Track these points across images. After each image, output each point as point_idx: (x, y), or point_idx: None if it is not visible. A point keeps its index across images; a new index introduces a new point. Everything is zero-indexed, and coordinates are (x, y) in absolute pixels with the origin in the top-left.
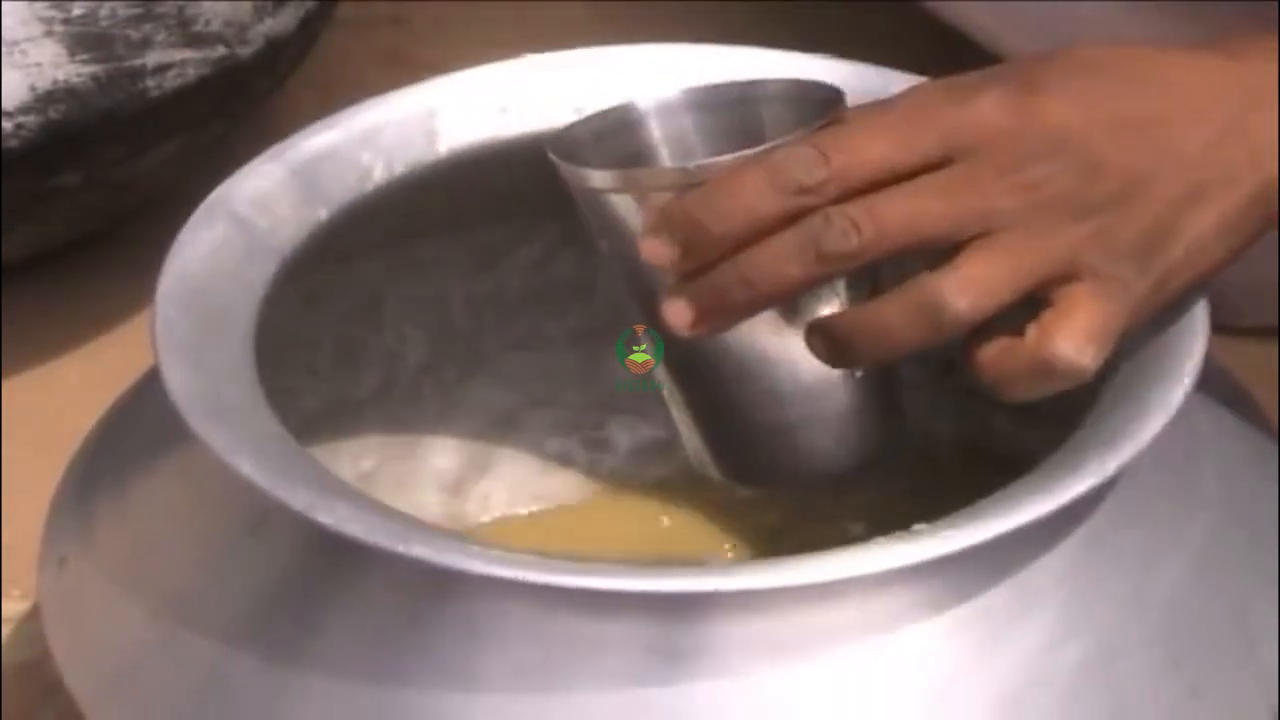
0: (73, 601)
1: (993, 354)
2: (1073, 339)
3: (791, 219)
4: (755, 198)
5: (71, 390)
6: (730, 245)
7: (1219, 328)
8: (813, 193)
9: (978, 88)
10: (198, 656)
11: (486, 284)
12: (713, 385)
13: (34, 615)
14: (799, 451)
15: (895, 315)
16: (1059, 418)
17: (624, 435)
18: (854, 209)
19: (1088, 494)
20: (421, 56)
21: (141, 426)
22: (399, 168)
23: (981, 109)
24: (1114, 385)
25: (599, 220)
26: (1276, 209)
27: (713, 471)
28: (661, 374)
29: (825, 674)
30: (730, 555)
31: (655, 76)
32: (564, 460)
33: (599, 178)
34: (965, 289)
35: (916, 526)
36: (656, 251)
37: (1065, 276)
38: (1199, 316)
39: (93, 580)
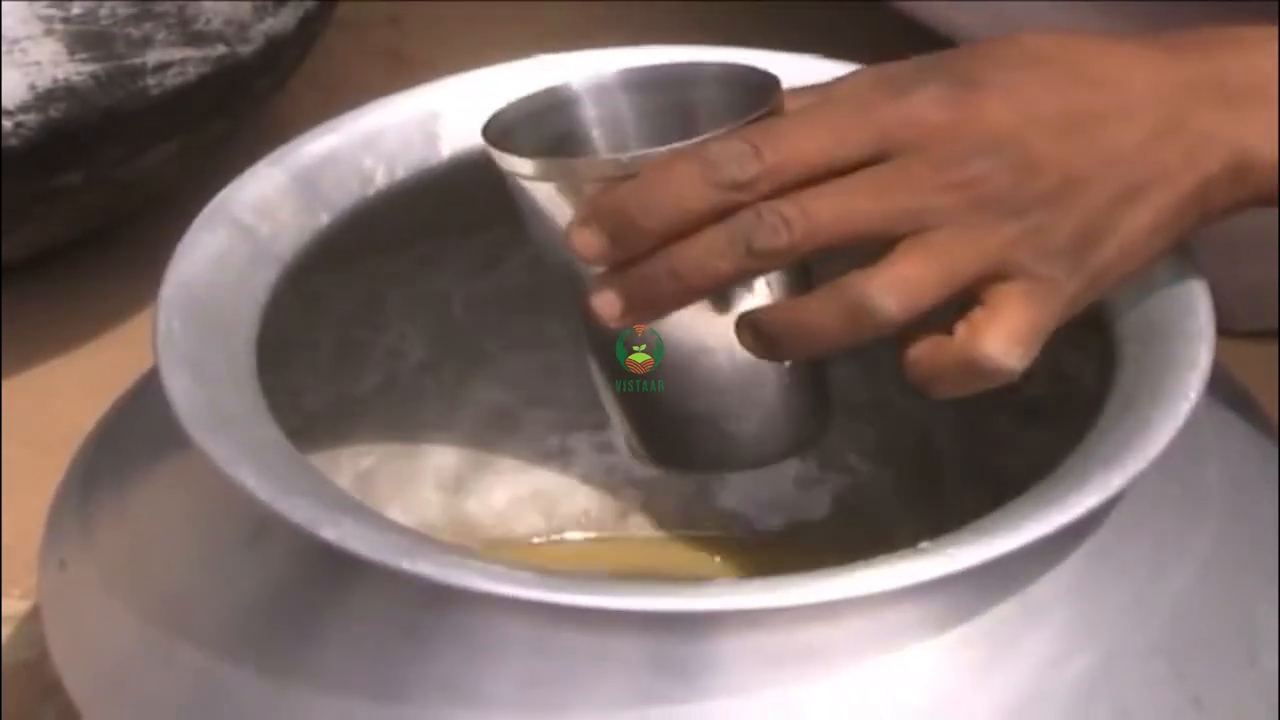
0: (72, 603)
1: (921, 352)
2: (1000, 340)
3: (723, 213)
4: (687, 192)
5: (72, 390)
6: (660, 238)
7: (1217, 331)
8: (745, 189)
9: (917, 80)
10: (195, 664)
11: (487, 283)
12: None
13: (34, 615)
14: (727, 439)
15: (823, 312)
16: (1062, 418)
17: None
18: (785, 206)
19: (1093, 510)
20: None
21: (142, 428)
22: (400, 171)
23: (919, 105)
24: (1119, 394)
25: (529, 207)
26: (1212, 206)
27: (642, 456)
28: (592, 361)
29: (829, 692)
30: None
31: None
32: (564, 459)
33: (530, 166)
34: (894, 289)
35: (921, 545)
36: (586, 242)
37: (996, 275)
38: (1204, 327)
39: (92, 583)
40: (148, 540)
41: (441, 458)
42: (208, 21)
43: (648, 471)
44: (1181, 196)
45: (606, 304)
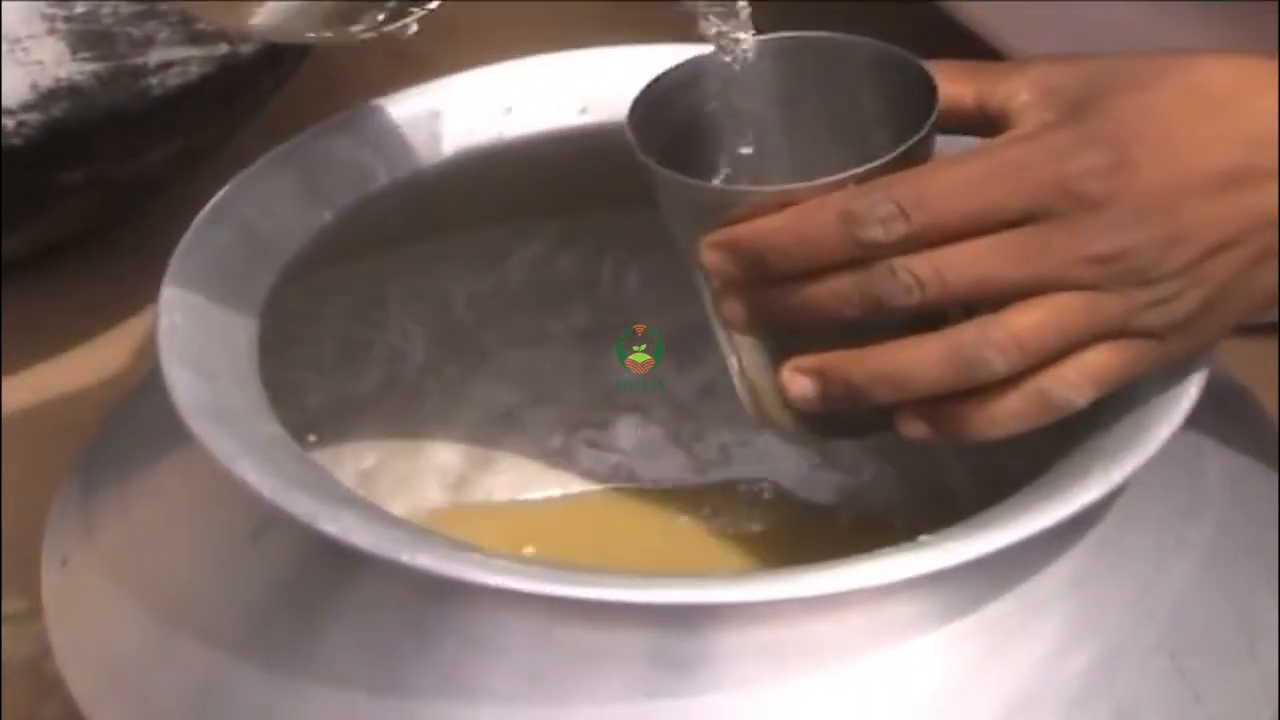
0: (74, 600)
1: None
2: (1078, 384)
3: (858, 261)
4: (825, 244)
5: (72, 389)
6: (790, 278)
7: None
8: (886, 249)
9: (1078, 143)
10: (198, 660)
11: (489, 282)
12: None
13: (34, 615)
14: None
15: (931, 361)
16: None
17: (627, 433)
18: (920, 265)
19: (1094, 504)
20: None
21: (144, 426)
22: (402, 169)
23: (1077, 177)
24: (1120, 391)
25: (666, 200)
26: None
27: (784, 422)
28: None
29: (830, 685)
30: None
31: None
32: (567, 457)
33: (670, 178)
34: (1009, 348)
35: (922, 538)
36: (715, 263)
37: (1107, 336)
38: None
39: (94, 580)
40: (149, 536)
41: (444, 456)
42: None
43: (649, 471)
44: None
45: (733, 312)
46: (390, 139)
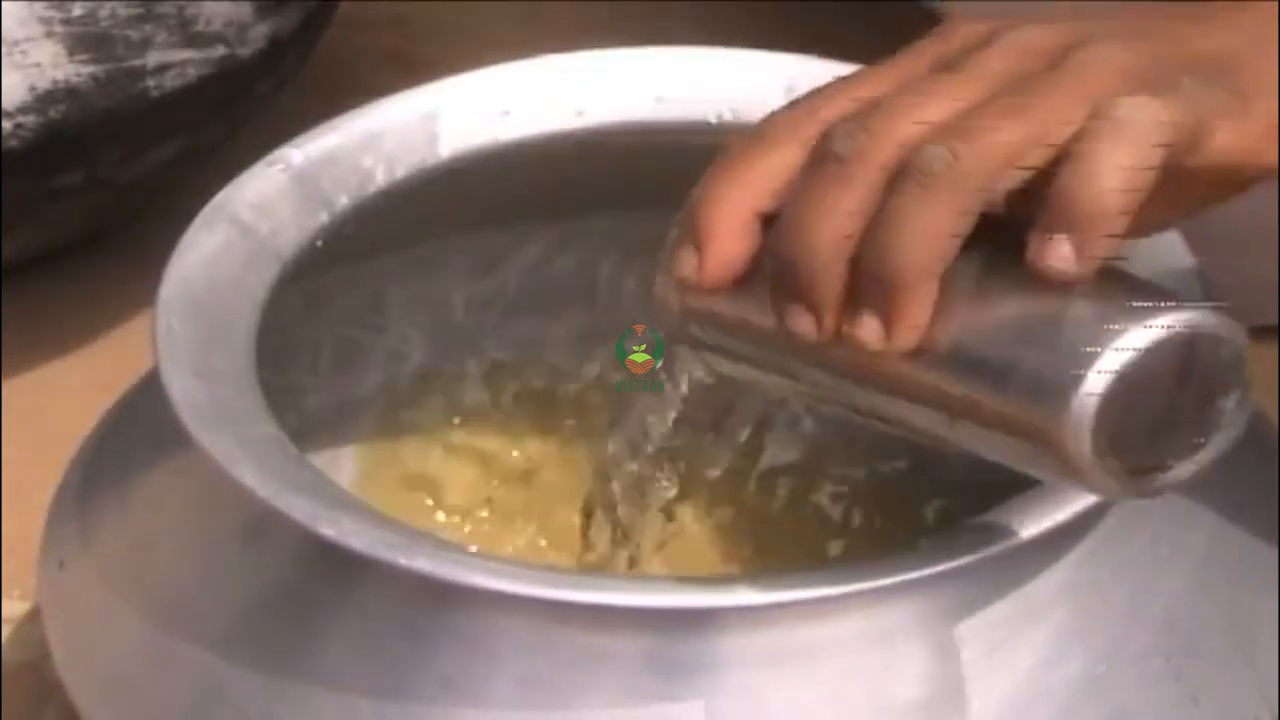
0: (72, 603)
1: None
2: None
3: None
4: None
5: (72, 391)
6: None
7: None
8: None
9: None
10: (196, 663)
11: (488, 284)
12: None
13: (34, 616)
14: None
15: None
16: None
17: None
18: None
19: (1091, 508)
20: (423, 56)
21: (142, 428)
22: (400, 171)
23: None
24: None
25: None
26: None
27: None
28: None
29: (826, 689)
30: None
31: (659, 79)
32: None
33: None
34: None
35: (919, 541)
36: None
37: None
38: None
39: (92, 582)
40: (147, 539)
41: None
42: (208, 23)
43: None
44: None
45: (804, 323)
46: (388, 141)
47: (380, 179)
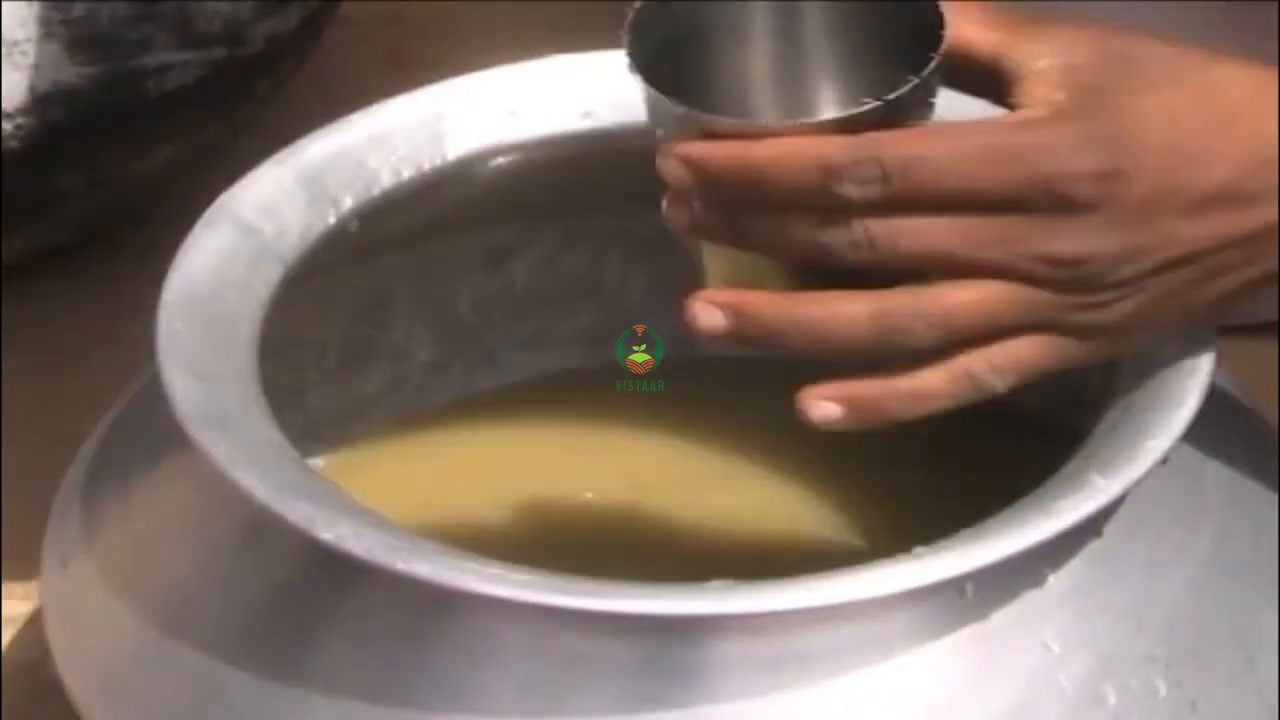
0: (73, 603)
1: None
2: (1003, 369)
3: (822, 205)
4: (796, 186)
5: (72, 391)
6: (749, 205)
7: (1221, 327)
8: (855, 205)
9: (1077, 139)
10: (196, 664)
11: (494, 283)
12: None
13: (35, 617)
14: None
15: (856, 316)
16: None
17: None
18: (878, 229)
19: (1091, 515)
20: (424, 56)
21: (145, 428)
22: (406, 172)
23: (1066, 179)
24: (1120, 399)
25: (652, 116)
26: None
27: None
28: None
29: (825, 696)
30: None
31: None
32: None
33: (657, 99)
34: (937, 320)
35: (917, 549)
36: (674, 173)
37: (1041, 329)
38: (1206, 333)
39: (93, 582)
40: (148, 540)
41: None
42: (208, 23)
43: None
44: (1265, 276)
45: (677, 216)
46: (394, 141)
47: (386, 180)
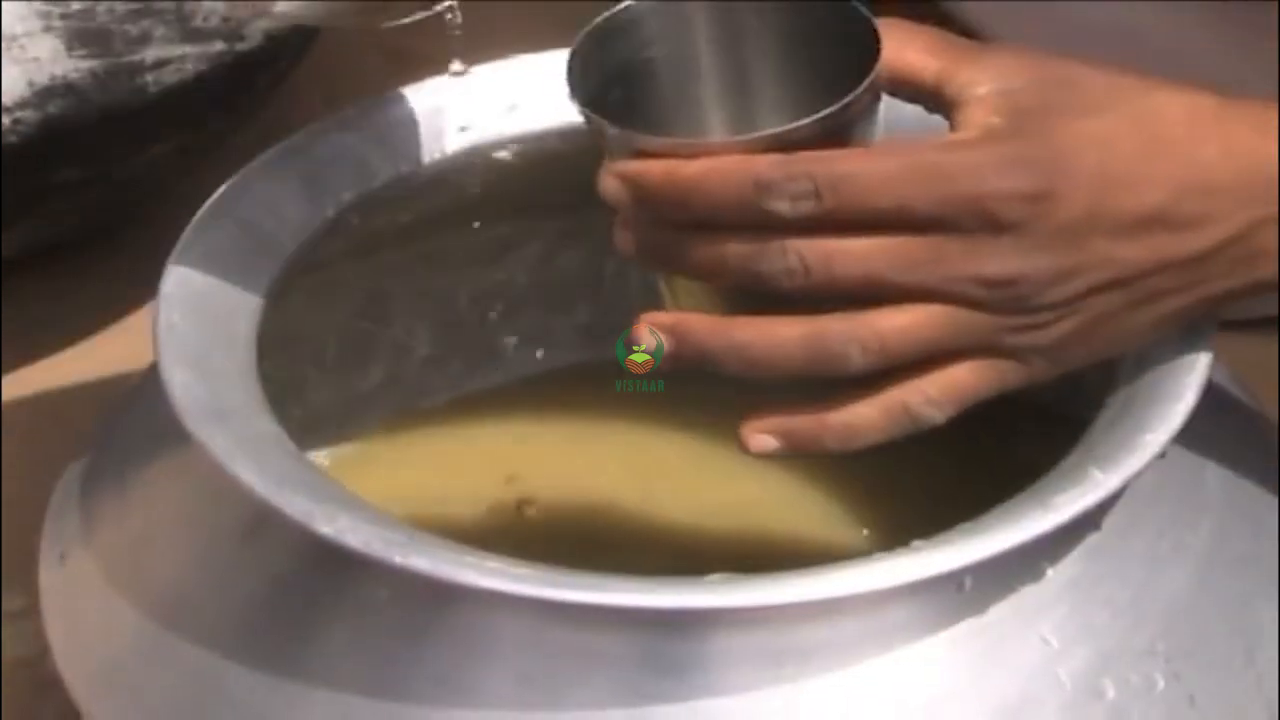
0: (71, 598)
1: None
2: (938, 400)
3: (755, 225)
4: (727, 204)
5: (72, 388)
6: (679, 228)
7: (1220, 322)
8: (787, 223)
9: (1006, 161)
10: (194, 659)
11: (493, 278)
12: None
13: (33, 613)
14: None
15: (790, 340)
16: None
17: None
18: (811, 251)
19: (1089, 509)
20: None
21: (142, 423)
22: (405, 167)
23: (997, 200)
24: (1118, 393)
25: (599, 143)
26: (1222, 305)
27: None
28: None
29: (823, 690)
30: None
31: None
32: None
33: (600, 124)
34: (872, 346)
35: (915, 543)
36: (612, 192)
37: (977, 352)
38: (1205, 329)
39: (92, 577)
40: (147, 534)
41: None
42: (206, 18)
43: None
44: (1203, 301)
45: (623, 241)
46: (393, 136)
47: (385, 174)
